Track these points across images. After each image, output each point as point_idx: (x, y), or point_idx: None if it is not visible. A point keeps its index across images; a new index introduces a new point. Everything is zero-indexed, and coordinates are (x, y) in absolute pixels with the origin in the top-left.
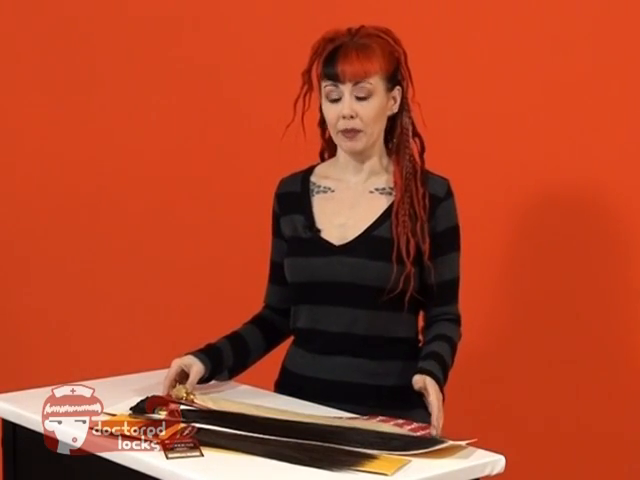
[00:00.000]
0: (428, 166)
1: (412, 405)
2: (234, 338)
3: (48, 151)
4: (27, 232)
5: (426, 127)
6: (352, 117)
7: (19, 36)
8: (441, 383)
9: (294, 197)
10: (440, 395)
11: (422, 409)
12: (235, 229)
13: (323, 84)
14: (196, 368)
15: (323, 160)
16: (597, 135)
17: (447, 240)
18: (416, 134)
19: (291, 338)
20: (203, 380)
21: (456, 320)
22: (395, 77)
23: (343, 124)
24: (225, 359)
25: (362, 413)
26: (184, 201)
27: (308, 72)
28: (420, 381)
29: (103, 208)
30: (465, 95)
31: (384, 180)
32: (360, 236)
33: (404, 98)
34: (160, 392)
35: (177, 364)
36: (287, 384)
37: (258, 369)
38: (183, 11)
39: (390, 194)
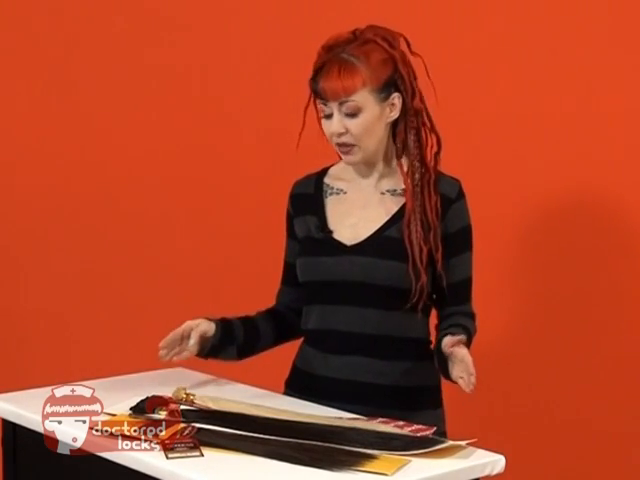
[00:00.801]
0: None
1: (421, 406)
2: (246, 320)
3: (47, 152)
4: (27, 232)
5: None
6: (342, 133)
7: (17, 36)
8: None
9: (307, 198)
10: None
11: (430, 410)
12: (236, 230)
13: (316, 100)
14: (205, 325)
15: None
16: (608, 137)
17: (459, 241)
18: (433, 131)
19: (302, 338)
20: (213, 348)
21: (471, 316)
22: (391, 84)
23: (336, 139)
24: (236, 332)
25: (371, 413)
26: (185, 202)
27: (313, 80)
28: (453, 341)
29: (104, 208)
30: (474, 96)
31: (394, 182)
32: (371, 236)
33: (406, 103)
34: (160, 392)
35: (187, 323)
36: (297, 382)
37: (267, 367)
38: (185, 15)
39: (401, 195)
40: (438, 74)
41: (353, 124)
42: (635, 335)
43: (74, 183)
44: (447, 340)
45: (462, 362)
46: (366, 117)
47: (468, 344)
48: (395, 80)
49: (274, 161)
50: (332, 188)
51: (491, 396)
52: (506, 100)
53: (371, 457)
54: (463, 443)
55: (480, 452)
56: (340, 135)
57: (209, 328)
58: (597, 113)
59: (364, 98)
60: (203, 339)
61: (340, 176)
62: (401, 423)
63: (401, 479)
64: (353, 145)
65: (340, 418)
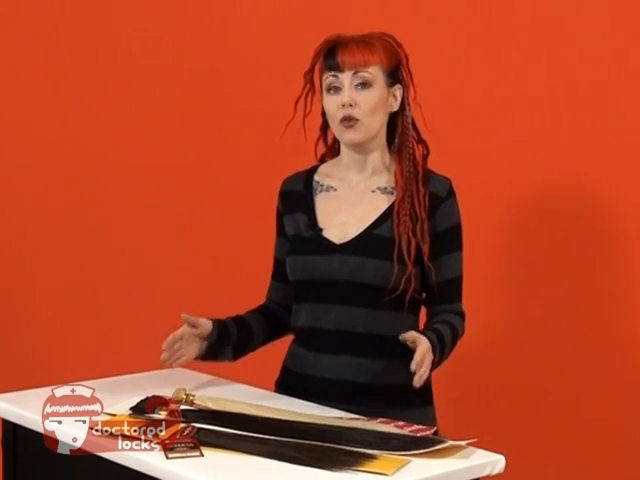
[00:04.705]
0: (429, 164)
1: (410, 404)
2: (238, 319)
3: (48, 150)
4: (27, 232)
5: (428, 129)
6: (351, 105)
7: (21, 33)
8: (434, 356)
9: (297, 196)
10: (430, 356)
11: (419, 408)
12: (236, 230)
13: (324, 77)
14: (203, 320)
15: (324, 163)
16: (597, 136)
17: (449, 239)
18: (421, 140)
19: (291, 337)
20: (211, 348)
21: (461, 315)
22: (396, 74)
23: (342, 112)
24: (231, 333)
25: (362, 412)
26: (185, 202)
27: (310, 73)
28: (412, 335)
29: (103, 208)
30: (466, 96)
31: (386, 179)
32: (360, 235)
33: (405, 99)
34: (160, 392)
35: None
36: (288, 383)
37: (258, 368)
38: (186, 11)
39: (391, 193)
40: (436, 75)
41: (363, 97)
42: (632, 331)
43: (73, 181)
44: (408, 333)
45: (415, 355)
46: (375, 93)
47: (454, 340)
48: (398, 73)
49: (277, 160)
50: (322, 185)
51: (491, 396)
52: (497, 100)
53: (371, 457)
54: (463, 443)
55: (480, 452)
56: (349, 106)
57: (206, 323)
58: (591, 113)
59: (376, 74)
60: (201, 338)
61: (330, 173)
62: (401, 423)
63: (401, 479)
64: (357, 120)
65: (340, 418)
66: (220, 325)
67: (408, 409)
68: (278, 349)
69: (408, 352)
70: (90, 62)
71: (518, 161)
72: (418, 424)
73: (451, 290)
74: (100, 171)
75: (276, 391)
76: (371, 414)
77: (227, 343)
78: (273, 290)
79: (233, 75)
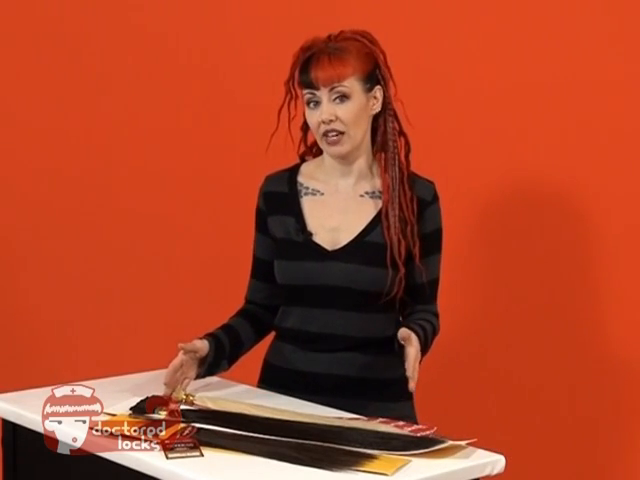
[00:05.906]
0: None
1: (400, 397)
2: (227, 329)
3: (48, 148)
4: (27, 231)
5: (412, 126)
6: (332, 120)
7: (23, 32)
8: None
9: (282, 197)
10: (419, 356)
11: (408, 401)
12: (234, 230)
13: (303, 92)
14: (198, 342)
15: (303, 162)
16: (578, 137)
17: (431, 242)
18: (402, 133)
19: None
20: (210, 366)
21: (437, 316)
22: (374, 77)
23: (324, 128)
24: (224, 345)
25: (355, 405)
26: (185, 202)
27: (289, 81)
28: (406, 333)
29: (102, 208)
30: (449, 95)
31: (373, 184)
32: (353, 241)
33: (386, 97)
34: (160, 392)
35: (180, 354)
36: (274, 379)
37: (252, 368)
38: (183, 12)
39: (379, 197)
40: (419, 73)
41: (342, 110)
42: (630, 330)
43: (73, 180)
44: (400, 331)
45: (407, 361)
46: (354, 104)
47: (432, 338)
48: (376, 74)
49: (265, 161)
50: (307, 188)
51: (491, 396)
52: (480, 100)
53: (371, 457)
54: (463, 443)
55: (480, 452)
56: (329, 122)
57: (202, 345)
58: (569, 115)
59: (353, 85)
60: (200, 360)
61: (314, 175)
62: (401, 423)
63: (401, 479)
64: (342, 133)
65: (340, 418)
66: (215, 341)
67: (397, 402)
68: (262, 345)
69: (393, 348)
70: (89, 60)
71: (501, 158)
72: (417, 423)
73: (429, 291)
74: (101, 171)
75: (260, 387)
76: (364, 406)
77: (222, 357)
78: (254, 290)
79: (234, 78)
